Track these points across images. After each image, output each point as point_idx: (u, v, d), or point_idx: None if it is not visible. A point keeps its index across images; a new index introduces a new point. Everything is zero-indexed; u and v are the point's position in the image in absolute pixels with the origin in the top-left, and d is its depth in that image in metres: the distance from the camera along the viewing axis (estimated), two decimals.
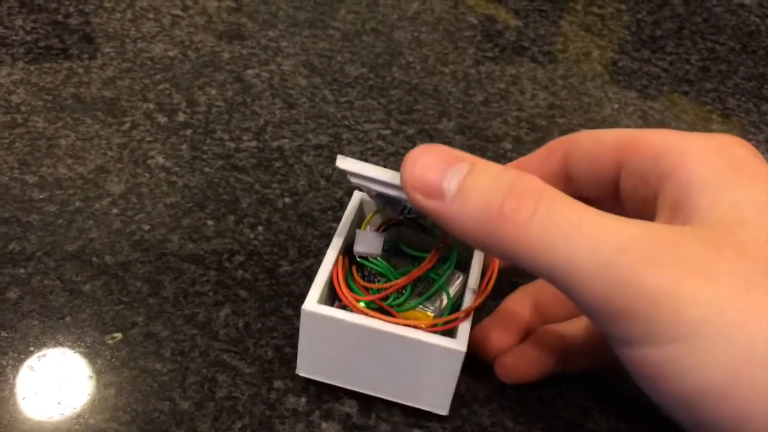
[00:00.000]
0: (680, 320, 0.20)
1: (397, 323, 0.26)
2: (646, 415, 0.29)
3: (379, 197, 0.28)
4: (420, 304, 0.28)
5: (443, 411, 0.28)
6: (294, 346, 0.30)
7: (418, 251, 0.30)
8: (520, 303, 0.30)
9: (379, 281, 0.29)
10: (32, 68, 0.44)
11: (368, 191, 0.28)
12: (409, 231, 0.30)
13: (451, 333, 0.27)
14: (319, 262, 0.34)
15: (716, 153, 0.24)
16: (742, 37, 0.57)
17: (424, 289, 0.29)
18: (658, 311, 0.20)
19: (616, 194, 0.27)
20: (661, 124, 0.46)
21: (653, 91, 0.50)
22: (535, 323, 0.30)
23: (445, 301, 0.29)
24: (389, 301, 0.28)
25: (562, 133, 0.44)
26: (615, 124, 0.46)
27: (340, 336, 0.26)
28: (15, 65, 0.45)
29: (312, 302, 0.26)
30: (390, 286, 0.28)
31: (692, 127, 0.47)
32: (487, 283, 0.28)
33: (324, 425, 0.28)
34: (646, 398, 0.30)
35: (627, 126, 0.46)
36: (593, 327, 0.30)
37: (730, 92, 0.51)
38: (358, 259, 0.29)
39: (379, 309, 0.27)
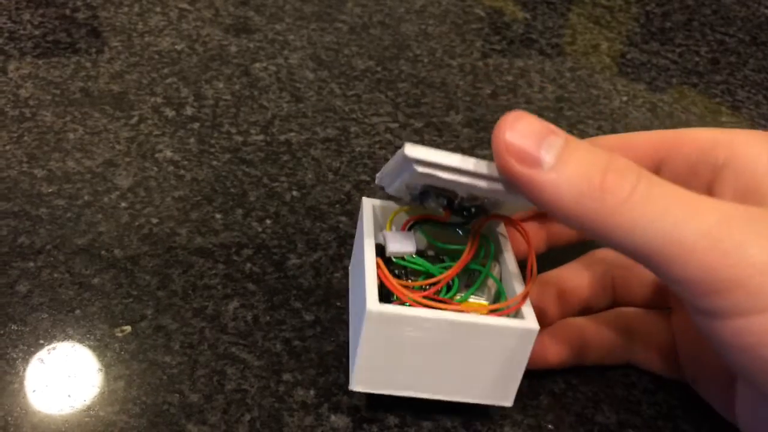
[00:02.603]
0: None
1: (467, 310, 0.25)
2: (655, 408, 0.29)
3: (427, 189, 0.27)
4: (472, 294, 0.27)
5: (508, 402, 0.27)
6: (303, 339, 0.30)
7: (448, 246, 0.29)
8: (542, 291, 0.30)
9: (415, 280, 0.28)
10: (40, 62, 0.45)
11: (418, 186, 0.27)
12: (432, 229, 0.29)
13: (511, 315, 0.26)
14: (327, 256, 0.34)
15: (764, 142, 0.25)
16: (751, 29, 0.57)
17: (468, 280, 0.28)
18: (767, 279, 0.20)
19: None
20: (670, 117, 0.46)
21: (662, 83, 0.49)
22: (556, 312, 0.30)
23: (494, 288, 0.28)
24: (440, 295, 0.27)
25: (571, 125, 0.44)
26: (623, 116, 0.46)
27: (408, 336, 0.25)
28: (23, 59, 0.45)
29: (375, 302, 0.25)
30: (439, 280, 0.27)
31: (701, 120, 0.46)
32: (532, 268, 0.27)
33: (333, 418, 0.28)
34: (655, 391, 0.30)
35: (636, 118, 0.46)
36: (614, 324, 0.30)
37: (739, 84, 0.50)
38: (393, 259, 0.28)
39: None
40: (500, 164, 0.23)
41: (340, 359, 0.30)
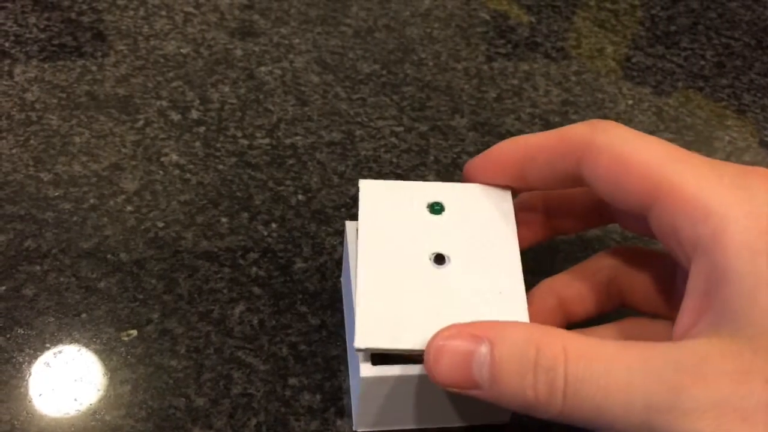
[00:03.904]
0: None
1: None
2: None
3: None
4: None
5: (505, 419, 0.28)
6: (309, 343, 0.30)
7: None
8: (542, 300, 0.29)
9: None
10: (46, 66, 0.45)
11: None
12: None
13: None
14: (333, 260, 0.34)
15: (759, 227, 0.22)
16: (757, 33, 0.57)
17: None
18: None
19: (644, 218, 0.25)
20: (675, 120, 0.46)
21: (668, 87, 0.49)
22: (557, 321, 0.29)
23: None
24: None
25: None
26: (629, 120, 0.45)
27: (402, 389, 0.26)
28: (29, 63, 0.45)
29: (368, 367, 0.25)
30: None
31: (707, 123, 0.46)
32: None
33: (339, 422, 0.28)
34: None
35: (641, 122, 0.46)
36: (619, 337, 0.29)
37: (745, 88, 0.50)
38: None
39: None
40: (445, 390, 0.24)
41: (346, 363, 0.30)
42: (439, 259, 0.27)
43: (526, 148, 0.28)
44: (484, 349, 0.23)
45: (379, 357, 0.27)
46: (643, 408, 0.21)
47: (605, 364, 0.22)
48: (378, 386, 0.26)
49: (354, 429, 0.28)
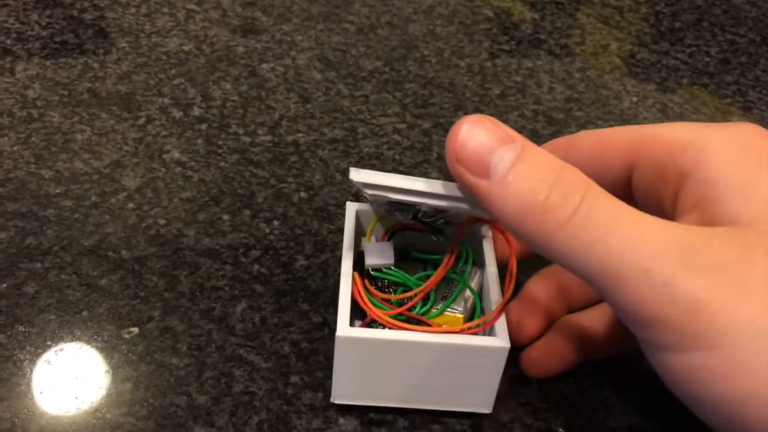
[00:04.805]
0: (712, 329, 0.20)
1: (436, 331, 0.26)
2: (667, 411, 0.29)
3: (390, 204, 0.27)
4: (447, 307, 0.28)
5: (487, 409, 0.28)
6: (311, 341, 0.30)
7: (428, 254, 0.29)
8: (543, 286, 0.30)
9: (394, 291, 0.28)
10: (48, 63, 0.45)
11: (380, 201, 0.27)
12: (414, 234, 0.29)
13: (486, 331, 0.27)
14: (335, 257, 0.34)
15: (736, 146, 0.23)
16: (762, 29, 0.56)
17: (445, 290, 0.28)
18: (690, 320, 0.20)
19: (628, 194, 0.26)
20: (680, 117, 0.46)
21: (672, 83, 0.49)
22: (558, 306, 0.30)
23: (471, 299, 0.28)
24: (416, 310, 0.27)
25: (580, 126, 0.44)
26: (633, 117, 0.45)
27: (380, 355, 0.26)
28: (31, 60, 0.45)
29: (345, 327, 0.25)
30: (415, 294, 0.27)
31: (712, 120, 0.46)
32: (511, 277, 0.27)
33: (341, 420, 0.28)
34: (667, 394, 0.30)
35: (646, 119, 0.45)
36: (615, 315, 0.29)
37: (750, 85, 0.50)
38: (371, 272, 0.28)
39: (408, 320, 0.27)
40: (451, 169, 0.23)
41: None
42: None
43: None
44: (514, 147, 0.22)
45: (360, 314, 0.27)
46: (648, 253, 0.20)
47: (625, 210, 0.21)
48: (354, 349, 0.26)
49: (331, 400, 0.28)
